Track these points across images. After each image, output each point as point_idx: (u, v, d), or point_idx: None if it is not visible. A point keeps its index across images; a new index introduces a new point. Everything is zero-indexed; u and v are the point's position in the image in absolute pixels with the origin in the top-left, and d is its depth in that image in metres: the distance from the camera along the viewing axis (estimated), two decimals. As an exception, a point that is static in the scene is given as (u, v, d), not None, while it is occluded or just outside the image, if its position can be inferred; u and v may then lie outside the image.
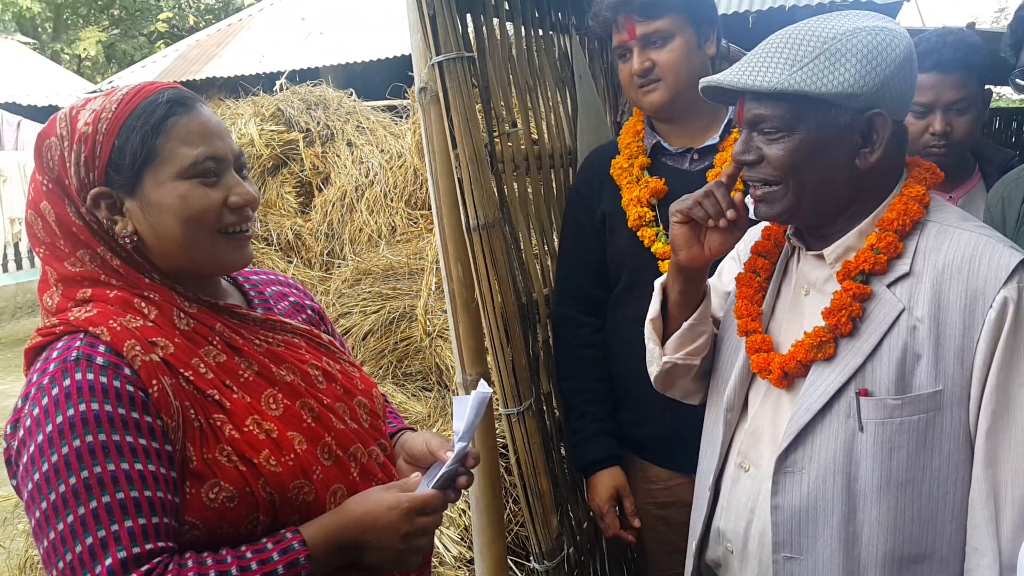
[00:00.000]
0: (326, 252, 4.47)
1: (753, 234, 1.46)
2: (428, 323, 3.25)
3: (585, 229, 2.00)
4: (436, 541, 2.53)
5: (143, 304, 1.09)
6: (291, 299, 1.35)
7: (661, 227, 1.87)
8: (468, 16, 1.88)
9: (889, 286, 1.20)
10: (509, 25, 2.07)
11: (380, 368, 3.37)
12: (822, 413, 1.21)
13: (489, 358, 1.90)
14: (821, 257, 1.28)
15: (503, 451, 2.25)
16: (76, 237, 1.10)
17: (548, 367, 2.10)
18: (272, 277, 1.38)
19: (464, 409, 1.22)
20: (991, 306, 1.12)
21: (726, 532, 1.35)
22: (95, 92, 14.10)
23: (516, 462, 1.91)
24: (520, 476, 1.91)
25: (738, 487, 1.33)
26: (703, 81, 1.26)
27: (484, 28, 1.93)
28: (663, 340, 1.46)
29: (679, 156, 1.93)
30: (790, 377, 1.26)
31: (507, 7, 2.04)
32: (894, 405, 1.16)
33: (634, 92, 1.89)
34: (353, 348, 3.44)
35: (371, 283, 3.80)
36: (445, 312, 2.82)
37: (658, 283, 1.46)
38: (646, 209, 1.88)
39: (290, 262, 4.44)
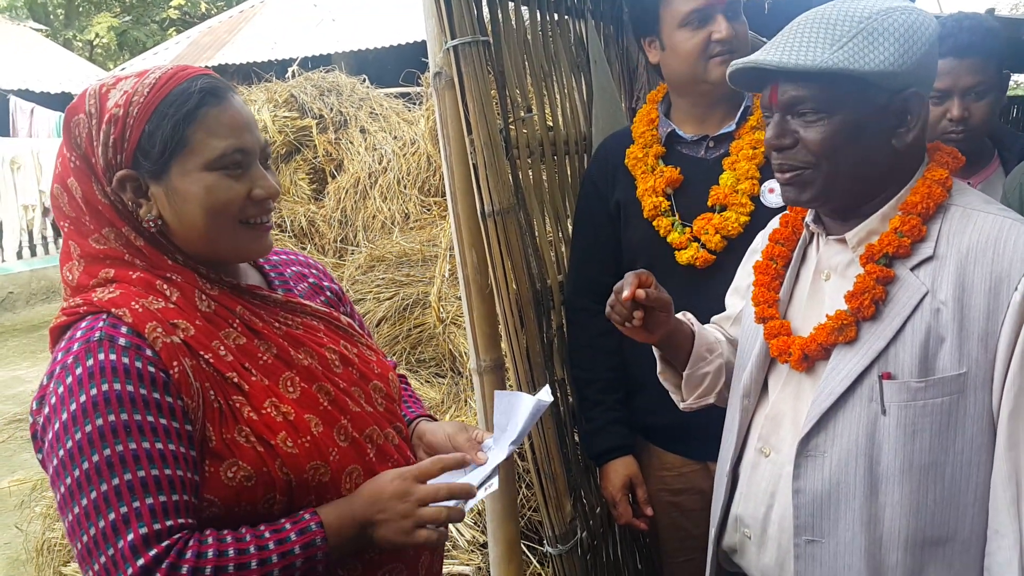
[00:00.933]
0: (339, 239, 4.48)
1: (772, 223, 1.46)
2: (441, 310, 3.25)
3: (599, 219, 1.99)
4: (450, 525, 2.55)
5: (165, 286, 1.11)
6: (310, 280, 1.36)
7: (677, 216, 1.86)
8: (483, 0, 1.87)
9: (912, 269, 1.19)
10: (524, 10, 2.06)
11: (394, 355, 3.38)
12: (845, 396, 1.20)
13: (503, 344, 1.91)
14: (842, 242, 1.28)
15: (517, 437, 2.26)
16: (101, 215, 1.11)
17: (562, 353, 2.10)
18: (292, 257, 1.39)
19: (514, 409, 1.22)
20: (1016, 288, 1.12)
21: (744, 518, 1.36)
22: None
23: (530, 447, 1.91)
24: (534, 461, 1.91)
25: (758, 472, 1.33)
26: (737, 63, 1.23)
27: (499, 12, 1.92)
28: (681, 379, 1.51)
29: (694, 144, 1.92)
30: (810, 360, 1.26)
31: (522, -9, 2.03)
32: (917, 388, 1.16)
33: (704, 61, 1.83)
34: (366, 335, 3.46)
35: (384, 270, 3.81)
36: (458, 299, 2.82)
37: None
38: (661, 199, 1.87)
39: (303, 248, 4.45)
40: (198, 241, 1.13)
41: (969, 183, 2.11)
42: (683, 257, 1.82)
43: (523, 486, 2.67)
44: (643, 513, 1.94)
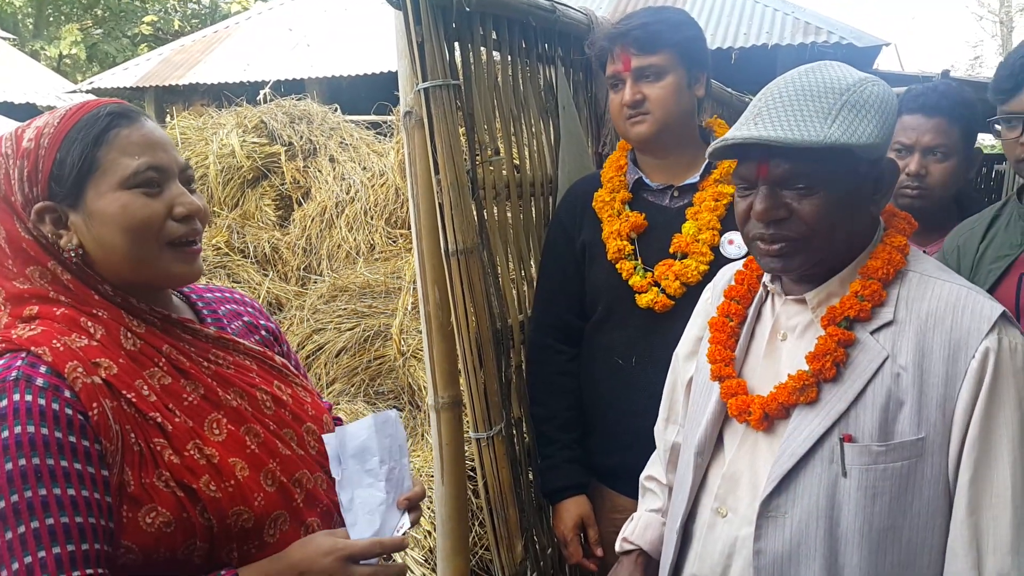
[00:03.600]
0: (303, 267, 4.45)
1: (726, 277, 1.48)
2: (403, 343, 3.25)
3: (565, 259, 2.03)
4: (400, 561, 2.52)
5: (90, 323, 1.08)
6: (245, 319, 1.34)
7: (639, 261, 1.90)
8: (455, 44, 1.91)
9: (872, 333, 1.21)
10: (496, 54, 2.10)
11: (352, 386, 3.36)
12: (806, 458, 1.21)
13: (461, 381, 1.92)
14: (801, 302, 1.29)
15: (471, 474, 2.26)
16: (26, 253, 1.09)
17: (519, 392, 2.11)
18: (227, 295, 1.37)
19: (354, 439, 1.17)
20: (973, 356, 1.15)
21: None
22: (74, 91, 13.96)
23: (484, 486, 1.91)
24: (487, 500, 1.91)
25: (714, 533, 1.32)
26: (723, 138, 1.19)
27: (471, 56, 1.96)
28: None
29: (660, 192, 1.97)
30: (770, 419, 1.26)
31: (495, 37, 2.08)
32: (878, 452, 1.17)
33: (622, 122, 1.94)
34: (326, 365, 3.43)
35: (347, 300, 3.79)
36: (420, 332, 2.83)
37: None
38: (625, 243, 1.91)
39: (266, 275, 4.41)
40: (123, 266, 1.10)
41: (924, 251, 2.14)
42: (643, 300, 1.87)
43: (476, 524, 2.66)
44: (593, 554, 1.95)
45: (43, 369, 1.01)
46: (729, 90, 4.31)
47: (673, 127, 1.90)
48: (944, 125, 2.04)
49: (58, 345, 1.03)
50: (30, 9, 19.74)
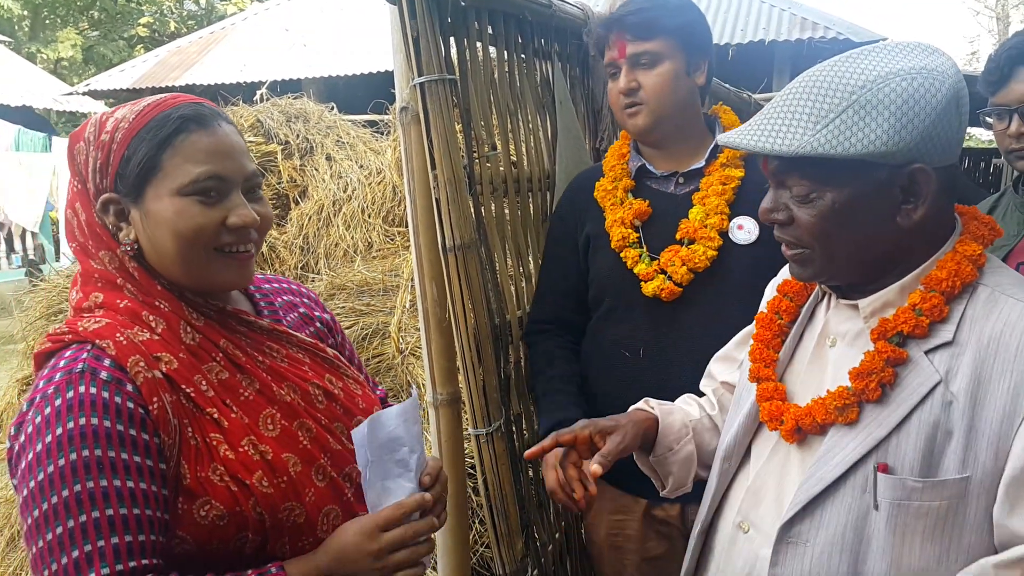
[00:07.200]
0: (301, 266, 4.44)
1: (783, 273, 1.36)
2: (401, 340, 3.24)
3: (566, 256, 2.01)
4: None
5: (151, 316, 1.12)
6: (300, 310, 1.37)
7: (644, 249, 1.88)
8: (451, 39, 1.90)
9: (927, 353, 1.07)
10: (492, 49, 2.09)
11: (350, 384, 3.34)
12: (836, 484, 1.09)
13: (460, 378, 1.91)
14: (855, 307, 1.16)
15: (471, 471, 2.25)
16: (100, 238, 1.13)
17: (519, 388, 2.11)
18: (284, 287, 1.40)
19: (389, 425, 1.16)
20: None
21: None
22: (70, 94, 13.94)
23: (483, 482, 1.91)
24: (487, 497, 1.91)
25: (736, 548, 1.23)
26: (721, 139, 1.15)
27: (467, 52, 1.96)
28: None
29: (664, 179, 1.94)
30: (803, 433, 1.15)
31: (490, 32, 2.07)
32: (914, 487, 1.04)
33: (620, 113, 1.91)
34: (324, 363, 3.41)
35: (345, 298, 3.78)
36: (418, 330, 2.82)
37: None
38: (630, 230, 1.89)
39: (264, 274, 4.41)
40: (171, 267, 1.13)
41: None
42: (649, 288, 1.84)
43: (476, 522, 2.66)
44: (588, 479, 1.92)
45: (107, 362, 1.04)
46: (727, 86, 4.31)
47: (671, 117, 1.87)
48: None
49: (121, 339, 1.06)
50: (26, 13, 19.71)
